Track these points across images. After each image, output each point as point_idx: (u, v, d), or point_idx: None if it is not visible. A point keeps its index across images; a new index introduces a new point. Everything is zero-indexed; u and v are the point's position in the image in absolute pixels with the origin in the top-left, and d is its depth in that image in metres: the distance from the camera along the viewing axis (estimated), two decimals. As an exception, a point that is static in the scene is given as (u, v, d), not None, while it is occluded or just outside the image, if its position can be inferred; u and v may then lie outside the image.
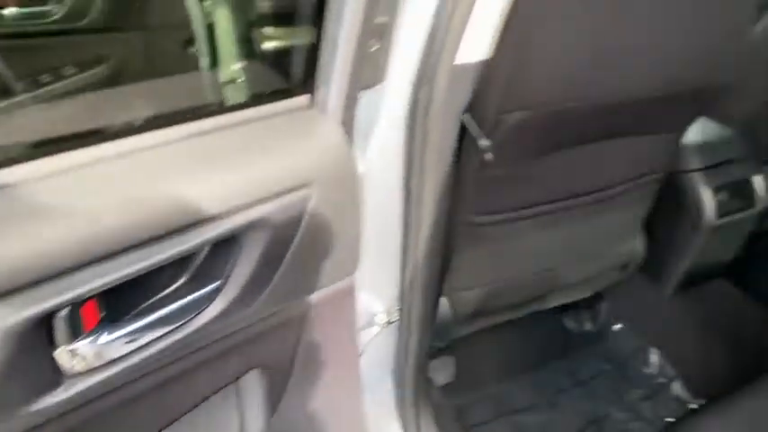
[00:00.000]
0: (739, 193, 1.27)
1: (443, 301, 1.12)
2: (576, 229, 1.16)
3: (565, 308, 1.46)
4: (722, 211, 1.22)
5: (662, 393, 1.34)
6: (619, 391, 1.35)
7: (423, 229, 0.85)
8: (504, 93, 0.76)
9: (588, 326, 1.50)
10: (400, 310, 0.98)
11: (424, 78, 0.67)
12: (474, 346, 1.34)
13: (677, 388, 1.32)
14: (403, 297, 0.96)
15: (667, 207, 1.27)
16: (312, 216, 0.63)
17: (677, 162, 1.22)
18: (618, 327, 1.44)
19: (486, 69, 0.73)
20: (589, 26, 0.74)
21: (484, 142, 0.78)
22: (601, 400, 1.32)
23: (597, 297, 1.48)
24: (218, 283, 0.62)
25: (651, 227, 1.32)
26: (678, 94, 0.92)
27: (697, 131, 1.25)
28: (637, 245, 1.33)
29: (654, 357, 1.38)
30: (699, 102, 0.97)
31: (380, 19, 0.62)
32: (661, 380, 1.35)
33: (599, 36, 0.76)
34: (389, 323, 0.99)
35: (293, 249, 0.64)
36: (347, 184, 0.66)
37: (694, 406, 1.32)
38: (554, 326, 1.52)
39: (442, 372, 1.37)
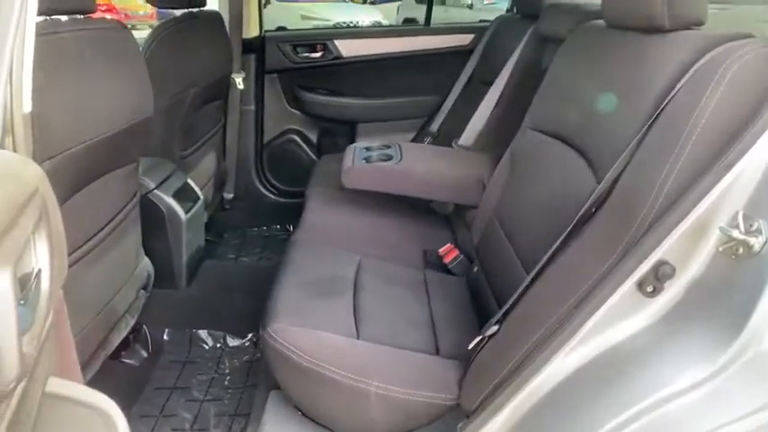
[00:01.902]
0: (186, 194, 1.76)
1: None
2: (106, 263, 1.36)
3: (118, 351, 1.60)
4: (185, 208, 1.68)
5: (227, 350, 1.74)
6: (202, 372, 1.66)
7: None
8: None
9: (144, 351, 1.70)
10: None
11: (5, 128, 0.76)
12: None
13: (232, 341, 1.76)
14: None
15: (151, 225, 1.62)
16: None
17: (141, 187, 1.58)
18: (166, 334, 1.72)
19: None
20: (67, 89, 1.01)
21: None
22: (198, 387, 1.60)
23: (138, 325, 1.69)
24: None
25: (148, 249, 1.64)
26: (126, 130, 1.27)
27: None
28: (146, 264, 1.63)
29: (205, 335, 1.76)
30: (141, 131, 1.35)
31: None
32: (219, 345, 1.75)
33: (74, 94, 1.04)
34: None
35: None
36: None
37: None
38: (122, 371, 1.64)
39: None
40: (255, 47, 2.35)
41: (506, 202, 1.36)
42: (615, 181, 0.90)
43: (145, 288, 1.65)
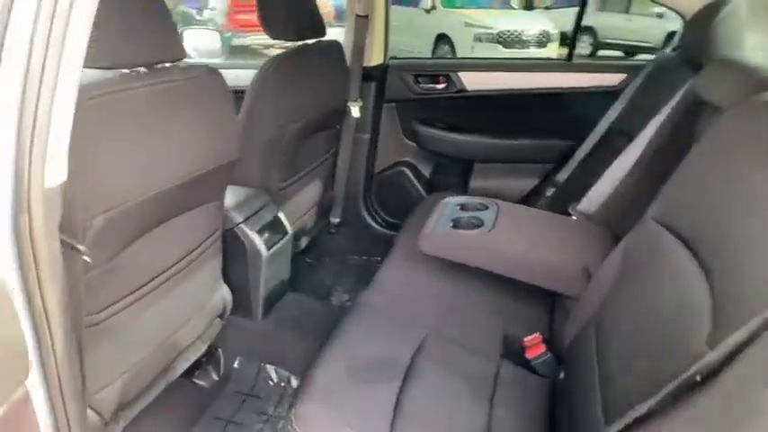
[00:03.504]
0: (274, 228, 1.76)
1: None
2: (180, 293, 1.38)
3: (191, 370, 1.64)
4: (269, 244, 1.67)
5: (290, 391, 1.70)
6: (262, 410, 1.64)
7: (57, 342, 0.90)
8: (85, 203, 0.93)
9: (215, 375, 1.73)
10: None
11: (20, 207, 0.76)
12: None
13: (295, 382, 1.72)
14: None
15: (233, 256, 1.64)
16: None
17: (227, 222, 1.60)
18: (237, 363, 1.73)
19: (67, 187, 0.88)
20: (137, 144, 1.01)
21: (83, 248, 0.92)
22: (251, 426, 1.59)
23: (213, 348, 1.73)
24: None
25: (229, 277, 1.66)
26: (212, 171, 1.28)
27: (231, 196, 1.67)
28: (224, 293, 1.65)
29: (272, 371, 1.74)
30: (220, 175, 1.36)
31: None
32: (283, 384, 1.72)
33: (144, 148, 1.03)
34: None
35: None
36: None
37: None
38: (190, 390, 1.68)
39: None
40: (376, 75, 2.28)
41: (608, 312, 1.10)
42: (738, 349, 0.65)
43: (221, 316, 1.68)
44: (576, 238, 1.47)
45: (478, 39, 8.63)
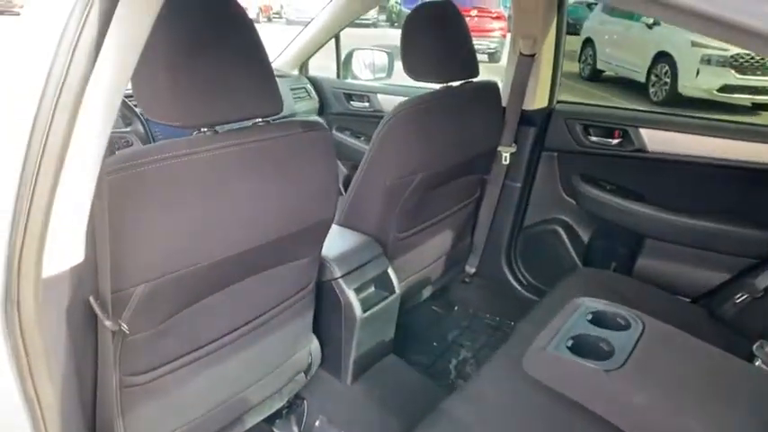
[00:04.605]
0: (380, 284, 1.60)
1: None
2: (251, 353, 1.30)
3: (272, 418, 1.57)
4: (365, 306, 1.51)
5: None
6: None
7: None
8: (117, 274, 0.86)
9: (296, 429, 1.64)
10: None
11: (9, 298, 0.70)
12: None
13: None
14: None
15: (327, 309, 1.52)
16: None
17: (324, 272, 1.48)
18: (318, 422, 1.61)
19: (87, 265, 0.82)
20: (187, 211, 0.91)
21: (108, 323, 0.86)
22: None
23: (298, 399, 1.64)
24: None
25: (321, 328, 1.55)
26: (297, 232, 1.16)
27: (336, 242, 1.55)
28: (313, 348, 1.54)
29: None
30: (309, 235, 1.23)
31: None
32: (360, 460, 1.56)
33: (196, 213, 0.94)
34: None
35: None
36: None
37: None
38: (266, 436, 1.61)
39: None
40: (537, 120, 1.97)
41: None
42: None
43: (306, 372, 1.57)
44: (756, 408, 1.02)
45: (707, 60, 7.45)
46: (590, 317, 1.22)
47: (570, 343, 1.13)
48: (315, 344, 1.54)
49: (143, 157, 0.87)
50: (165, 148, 0.90)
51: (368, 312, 1.52)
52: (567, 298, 1.37)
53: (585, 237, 2.08)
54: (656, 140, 1.78)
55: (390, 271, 1.62)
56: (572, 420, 1.11)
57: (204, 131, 0.97)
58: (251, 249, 1.07)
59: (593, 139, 1.92)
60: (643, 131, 1.79)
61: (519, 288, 2.20)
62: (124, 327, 0.91)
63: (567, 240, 2.08)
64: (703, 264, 1.76)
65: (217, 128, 0.99)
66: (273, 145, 1.06)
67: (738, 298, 1.58)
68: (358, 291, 1.52)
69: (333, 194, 1.24)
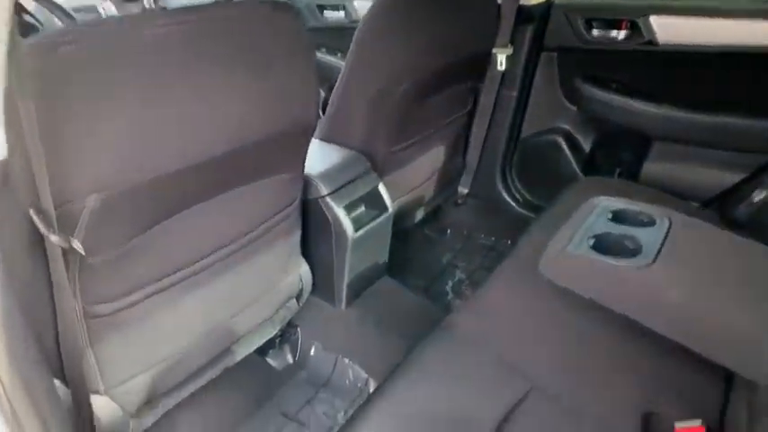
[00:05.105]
0: (371, 202, 1.46)
1: (105, 402, 1.00)
2: (233, 278, 1.17)
3: (264, 349, 1.47)
4: (357, 225, 1.38)
5: (365, 395, 1.45)
6: (330, 412, 1.42)
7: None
8: (59, 183, 0.70)
9: (290, 358, 1.54)
10: None
11: None
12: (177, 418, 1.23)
13: (373, 385, 1.45)
14: None
15: (316, 231, 1.38)
16: None
17: (310, 190, 1.33)
18: (313, 350, 1.52)
19: (21, 172, 0.66)
20: (125, 105, 0.75)
21: (54, 238, 0.71)
22: (313, 427, 1.37)
23: (291, 327, 1.53)
24: None
25: (311, 252, 1.42)
26: (270, 139, 1.00)
27: (321, 158, 1.40)
28: (303, 272, 1.41)
29: (349, 368, 1.49)
30: (289, 143, 1.07)
31: None
32: (359, 385, 1.47)
33: (142, 112, 0.77)
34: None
35: None
36: None
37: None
38: (260, 368, 1.51)
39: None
40: (535, 16, 1.78)
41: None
42: None
43: (297, 298, 1.46)
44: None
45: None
46: (610, 215, 1.10)
47: (592, 242, 1.01)
48: (305, 268, 1.42)
49: (69, 35, 0.69)
50: (98, 25, 0.72)
51: (360, 231, 1.39)
52: (574, 206, 1.25)
53: (587, 145, 1.94)
54: (668, 30, 1.61)
55: (381, 187, 1.48)
56: (593, 326, 1.01)
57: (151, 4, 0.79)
58: (216, 159, 0.91)
59: (597, 33, 1.74)
60: (654, 19, 1.62)
61: (515, 206, 2.09)
62: (77, 245, 0.76)
63: (567, 151, 1.95)
64: (716, 164, 1.65)
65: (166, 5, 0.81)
66: (237, 27, 0.88)
67: (757, 197, 1.48)
68: (348, 209, 1.38)
69: (312, 93, 1.07)
